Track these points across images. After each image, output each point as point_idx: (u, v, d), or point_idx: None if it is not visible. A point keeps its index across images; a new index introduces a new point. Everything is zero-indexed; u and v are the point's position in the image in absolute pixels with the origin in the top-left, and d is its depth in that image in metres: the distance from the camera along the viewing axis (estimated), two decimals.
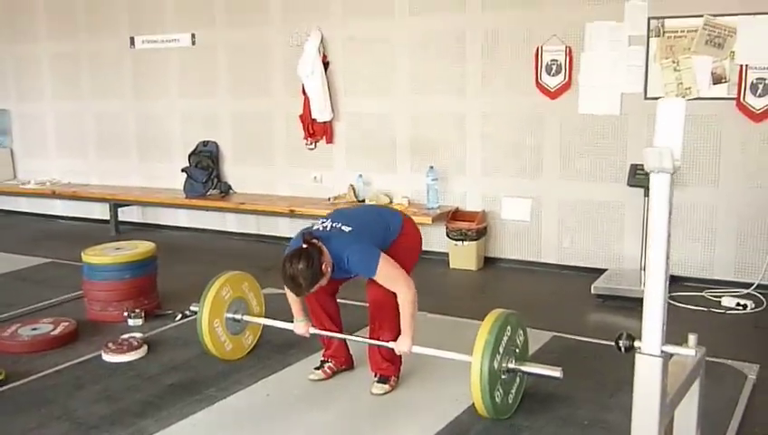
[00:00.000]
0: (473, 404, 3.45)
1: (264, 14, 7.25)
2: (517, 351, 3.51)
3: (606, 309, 5.26)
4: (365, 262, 3.61)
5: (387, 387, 3.84)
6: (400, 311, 3.61)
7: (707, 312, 5.14)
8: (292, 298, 3.89)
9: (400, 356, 3.84)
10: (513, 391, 3.54)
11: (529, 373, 3.57)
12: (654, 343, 2.26)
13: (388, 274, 3.60)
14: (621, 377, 2.72)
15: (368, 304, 3.82)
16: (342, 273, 3.70)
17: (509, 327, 3.43)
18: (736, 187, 5.54)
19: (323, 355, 4.09)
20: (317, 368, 4.05)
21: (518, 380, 3.57)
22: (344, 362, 4.08)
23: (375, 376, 3.88)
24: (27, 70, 8.95)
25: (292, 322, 4.02)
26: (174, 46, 7.81)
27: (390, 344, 3.70)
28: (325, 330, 3.96)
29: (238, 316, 4.27)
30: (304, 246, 3.55)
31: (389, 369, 3.88)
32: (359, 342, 3.99)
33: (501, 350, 3.36)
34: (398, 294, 3.59)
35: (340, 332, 4.01)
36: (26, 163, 9.19)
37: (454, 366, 4.05)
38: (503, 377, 3.41)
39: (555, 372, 3.47)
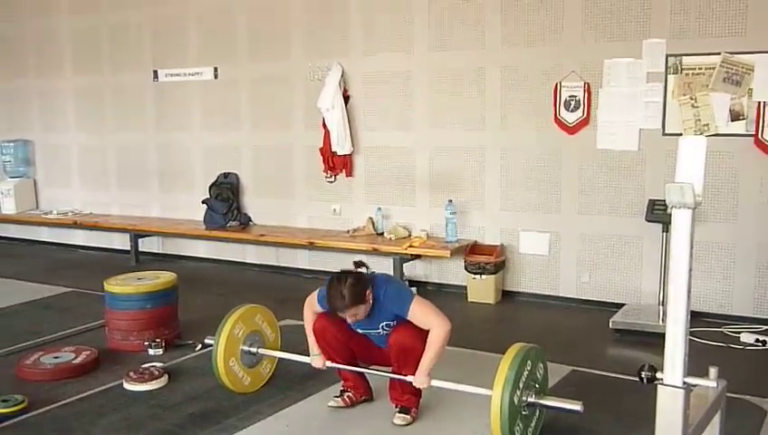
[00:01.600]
0: None
1: (285, 49, 7.37)
2: (537, 385, 3.52)
3: (624, 344, 5.26)
4: (401, 297, 3.75)
5: (408, 418, 3.85)
6: (429, 346, 3.65)
7: (726, 348, 5.12)
8: (309, 330, 3.94)
9: (420, 389, 3.86)
10: (533, 425, 3.54)
11: (549, 407, 3.57)
12: (676, 374, 2.28)
13: (423, 310, 3.70)
14: (640, 411, 2.73)
15: (390, 348, 3.81)
16: (376, 314, 3.75)
17: (529, 361, 3.44)
18: (755, 222, 5.55)
19: (343, 385, 4.11)
20: (337, 396, 4.07)
21: (537, 413, 3.57)
22: (364, 393, 4.09)
23: (396, 407, 3.90)
24: (52, 102, 9.11)
25: (309, 354, 4.06)
26: (197, 80, 7.93)
27: (409, 378, 3.72)
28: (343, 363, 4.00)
29: (254, 349, 4.29)
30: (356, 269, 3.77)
31: (411, 400, 3.89)
32: (377, 374, 4.00)
33: (521, 384, 3.37)
34: (434, 328, 3.65)
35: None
36: (49, 193, 9.31)
37: (474, 399, 4.05)
38: (523, 412, 3.41)
39: (575, 406, 3.47)
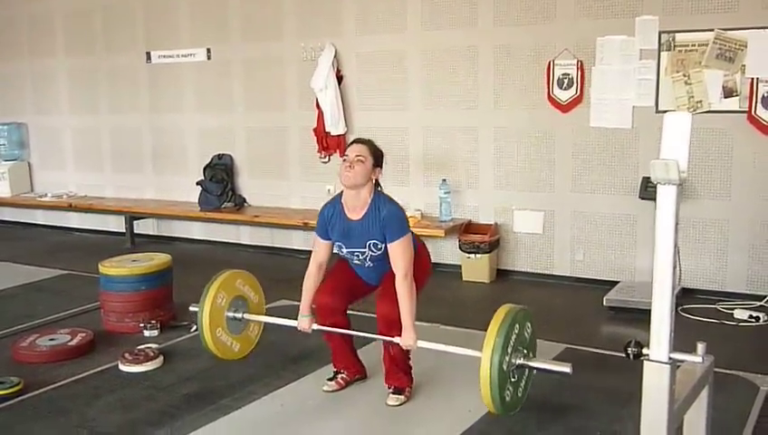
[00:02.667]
0: (487, 412, 3.48)
1: (278, 29, 7.34)
2: (525, 347, 3.48)
3: (618, 321, 5.28)
4: (398, 223, 3.71)
5: (402, 398, 3.86)
6: (401, 302, 3.63)
7: (720, 324, 5.15)
8: (307, 285, 3.94)
9: (411, 368, 3.88)
10: (522, 386, 3.51)
11: (538, 369, 3.55)
12: (661, 350, 2.29)
13: (403, 252, 3.66)
14: (634, 388, 2.74)
15: (377, 320, 3.82)
16: (368, 225, 3.73)
17: (517, 324, 3.40)
18: (749, 199, 5.56)
19: (335, 366, 4.11)
20: (330, 379, 4.07)
21: (526, 374, 3.54)
22: (357, 372, 4.11)
23: (389, 388, 3.91)
24: (45, 84, 9.08)
25: (296, 320, 4.05)
26: (190, 61, 7.91)
27: (396, 340, 3.70)
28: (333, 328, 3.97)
29: (239, 315, 4.27)
30: None
31: (403, 380, 3.90)
32: (362, 336, 3.96)
33: (510, 349, 3.33)
34: (398, 275, 3.63)
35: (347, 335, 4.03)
36: (43, 176, 9.31)
37: (466, 377, 4.09)
38: (512, 378, 3.38)
39: (565, 368, 3.44)
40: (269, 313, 5.50)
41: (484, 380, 3.24)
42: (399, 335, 3.75)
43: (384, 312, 3.75)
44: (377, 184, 3.84)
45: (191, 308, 4.31)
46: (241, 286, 4.35)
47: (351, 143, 3.88)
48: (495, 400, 3.27)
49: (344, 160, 3.78)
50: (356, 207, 3.78)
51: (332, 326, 3.94)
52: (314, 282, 3.94)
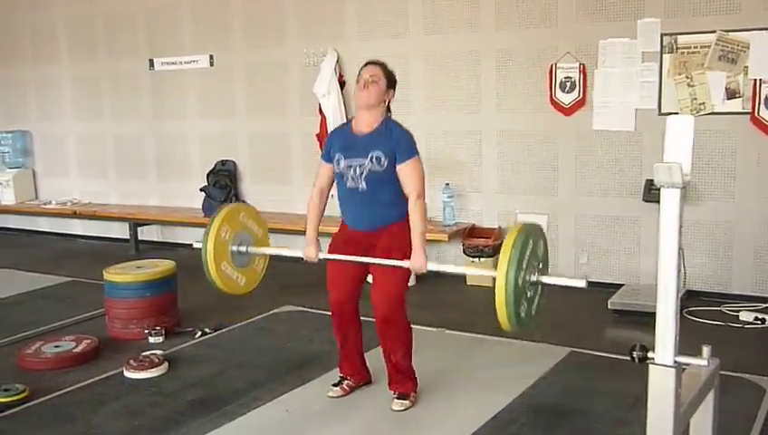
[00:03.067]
0: (491, 417, 3.47)
1: (280, 36, 7.35)
2: (540, 263, 3.32)
3: (623, 324, 5.27)
4: (409, 143, 3.72)
5: (407, 403, 3.85)
6: (413, 227, 3.61)
7: (725, 326, 5.14)
8: (311, 214, 3.95)
9: (414, 372, 3.87)
10: (536, 303, 3.34)
11: (553, 285, 3.38)
12: (667, 353, 2.29)
13: (414, 172, 3.66)
14: (639, 391, 2.74)
15: (375, 321, 3.78)
16: (375, 137, 3.72)
17: (531, 240, 3.21)
18: (753, 200, 5.55)
19: (341, 371, 4.10)
20: (335, 384, 4.06)
21: (540, 291, 3.37)
22: (362, 378, 4.10)
23: (394, 393, 3.89)
24: (48, 91, 9.10)
25: (301, 260, 4.00)
26: (193, 67, 7.92)
27: (405, 263, 3.60)
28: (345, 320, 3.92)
29: (243, 248, 4.08)
30: None
31: (407, 385, 3.89)
32: (371, 263, 3.78)
33: (525, 263, 3.15)
34: (411, 197, 3.63)
35: (361, 347, 4.03)
36: (47, 183, 9.32)
37: (468, 381, 4.10)
38: (528, 293, 3.21)
39: (580, 283, 3.26)
40: (273, 318, 5.54)
41: (499, 296, 3.07)
42: (395, 334, 3.74)
43: (383, 312, 3.71)
44: (388, 108, 3.86)
45: (195, 244, 4.10)
46: (245, 220, 4.15)
47: (366, 64, 3.88)
48: (511, 317, 3.09)
49: (358, 81, 3.81)
50: (366, 124, 3.78)
51: (343, 325, 3.91)
52: (318, 209, 3.95)
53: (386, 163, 3.68)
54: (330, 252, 3.91)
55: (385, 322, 3.73)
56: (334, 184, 3.93)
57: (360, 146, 3.73)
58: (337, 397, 4.01)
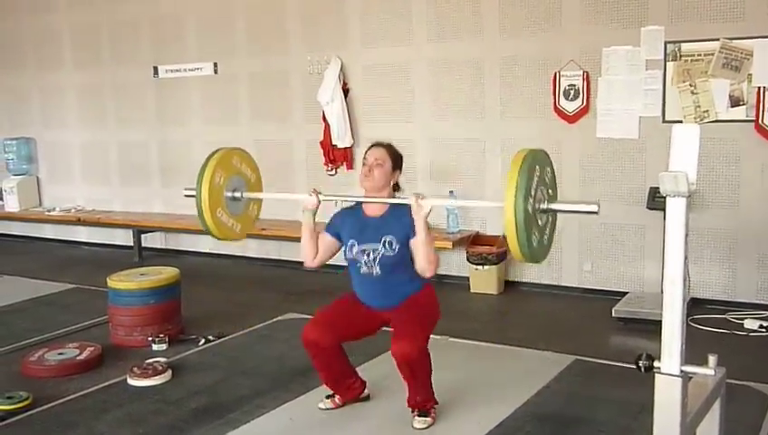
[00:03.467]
0: (496, 425, 3.45)
1: (284, 43, 7.37)
2: (549, 189, 3.20)
3: (627, 332, 5.26)
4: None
5: (429, 420, 3.73)
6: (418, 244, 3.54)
7: (730, 334, 5.13)
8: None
9: (431, 390, 3.78)
10: (548, 232, 3.24)
11: (564, 211, 3.39)
12: (673, 362, 2.28)
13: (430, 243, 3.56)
14: (644, 400, 2.73)
15: (396, 362, 3.61)
16: (386, 221, 3.67)
17: (538, 166, 3.07)
18: (757, 208, 5.54)
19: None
20: (328, 396, 3.99)
21: (550, 219, 3.26)
22: (351, 396, 3.98)
23: (413, 411, 3.76)
24: (53, 99, 9.13)
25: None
26: (196, 75, 7.93)
27: (410, 200, 3.51)
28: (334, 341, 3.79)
29: (238, 194, 3.96)
30: None
31: (428, 402, 3.76)
32: (376, 201, 3.74)
33: (533, 190, 3.02)
34: (423, 260, 3.54)
35: (349, 367, 3.93)
36: (51, 190, 9.33)
37: (474, 389, 4.08)
38: (538, 221, 3.09)
39: (591, 207, 3.12)
40: (277, 325, 5.53)
41: (509, 224, 2.95)
42: (422, 374, 3.63)
43: (404, 352, 3.53)
44: (396, 187, 3.82)
45: (185, 192, 3.97)
46: (238, 164, 4.01)
47: (371, 147, 3.82)
48: (523, 245, 2.98)
49: (364, 165, 3.76)
50: (377, 207, 3.74)
51: (322, 365, 3.81)
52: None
53: (398, 247, 3.65)
54: (342, 302, 3.88)
55: (408, 363, 3.58)
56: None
57: (373, 230, 3.70)
58: (326, 409, 3.96)
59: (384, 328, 3.84)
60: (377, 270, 3.69)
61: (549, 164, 3.18)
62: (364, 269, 3.73)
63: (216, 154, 3.86)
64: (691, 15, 5.55)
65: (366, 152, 3.81)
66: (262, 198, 4.12)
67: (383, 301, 3.76)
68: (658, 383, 2.33)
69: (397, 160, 3.79)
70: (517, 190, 2.90)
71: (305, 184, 7.44)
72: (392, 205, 3.71)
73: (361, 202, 3.81)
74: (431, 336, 3.68)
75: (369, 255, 3.69)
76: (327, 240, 3.83)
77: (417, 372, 3.61)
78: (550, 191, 3.14)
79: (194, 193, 3.79)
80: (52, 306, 6.32)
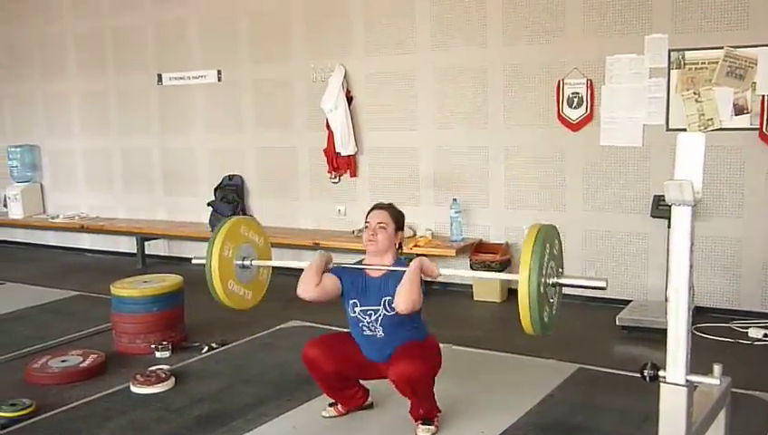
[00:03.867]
0: (500, 434, 3.44)
1: (288, 51, 7.38)
2: (558, 264, 3.28)
3: (631, 340, 5.24)
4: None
5: (432, 428, 3.72)
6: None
7: (734, 343, 5.11)
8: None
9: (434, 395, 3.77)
10: (556, 304, 3.31)
11: (574, 286, 3.40)
12: (678, 372, 2.27)
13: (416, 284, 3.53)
14: (648, 409, 2.72)
15: (395, 385, 3.63)
16: (386, 281, 3.65)
17: (548, 244, 3.16)
18: (762, 216, 5.53)
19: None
20: (331, 404, 3.99)
21: (559, 291, 3.33)
22: (355, 405, 3.98)
23: (416, 421, 3.75)
24: (57, 106, 9.15)
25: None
26: (200, 83, 7.95)
27: (414, 265, 3.54)
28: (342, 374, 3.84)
29: (247, 263, 4.04)
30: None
31: (432, 411, 3.76)
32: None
33: (545, 269, 3.11)
34: (404, 293, 3.49)
35: (349, 379, 3.92)
36: (55, 197, 9.35)
37: (477, 398, 4.07)
38: (550, 299, 3.18)
39: (600, 283, 3.22)
40: (280, 333, 5.53)
41: (523, 304, 3.05)
42: (421, 397, 3.63)
43: (402, 371, 3.53)
44: (400, 246, 3.83)
45: (194, 261, 4.08)
46: (245, 233, 4.08)
47: (372, 209, 3.82)
48: (536, 322, 3.08)
49: (366, 228, 3.74)
50: (378, 270, 3.74)
51: (323, 380, 3.82)
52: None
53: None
54: (341, 336, 3.89)
55: (411, 383, 3.56)
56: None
57: (373, 291, 3.70)
58: (329, 417, 3.95)
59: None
60: (380, 332, 3.71)
61: (557, 238, 3.29)
62: (367, 332, 3.74)
63: (223, 227, 3.97)
64: (695, 24, 5.55)
65: (368, 215, 3.80)
66: (270, 265, 4.24)
67: (383, 354, 3.73)
68: (663, 393, 2.33)
69: (399, 221, 3.79)
70: (530, 272, 3.03)
71: (308, 192, 7.45)
72: (393, 265, 3.71)
73: (362, 261, 3.82)
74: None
75: (370, 316, 3.71)
76: (330, 278, 3.77)
77: (419, 388, 3.60)
78: (559, 268, 3.26)
79: (203, 262, 3.92)
80: (56, 313, 6.32)
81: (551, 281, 3.15)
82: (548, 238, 3.14)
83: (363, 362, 3.80)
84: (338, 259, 3.93)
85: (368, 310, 3.71)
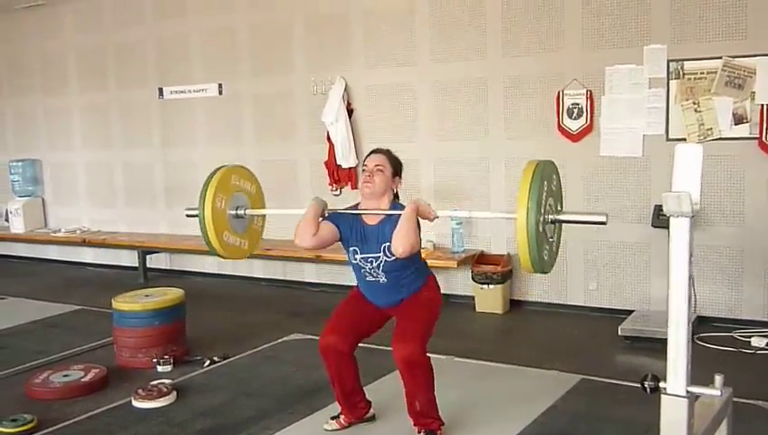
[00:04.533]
0: None
1: (288, 64, 7.40)
2: (556, 200, 3.20)
3: (634, 351, 5.23)
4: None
5: None
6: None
7: (737, 352, 5.10)
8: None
9: (437, 409, 3.76)
10: (555, 240, 3.25)
11: (573, 222, 3.36)
12: (679, 383, 2.27)
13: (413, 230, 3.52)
14: (651, 419, 2.71)
15: (396, 364, 3.64)
16: (384, 227, 3.64)
17: (545, 180, 3.07)
18: (763, 225, 5.53)
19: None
20: (333, 418, 3.97)
21: (557, 228, 3.26)
22: (362, 414, 3.97)
23: (419, 432, 3.74)
24: (58, 120, 9.18)
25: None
26: (201, 96, 7.97)
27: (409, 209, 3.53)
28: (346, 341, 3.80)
29: (241, 212, 3.96)
30: None
31: (434, 423, 3.74)
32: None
33: (543, 206, 3.03)
34: (401, 235, 3.49)
35: (359, 384, 3.93)
36: (57, 211, 9.36)
37: (480, 410, 4.07)
38: (549, 238, 3.12)
39: (599, 217, 3.17)
40: (281, 346, 5.52)
41: (522, 242, 2.97)
42: (418, 376, 3.62)
43: (404, 354, 3.55)
44: (396, 195, 3.82)
45: (186, 212, 4.00)
46: (237, 182, 3.99)
47: (370, 153, 3.83)
48: (535, 260, 3.00)
49: (363, 171, 3.75)
50: (373, 216, 3.73)
51: (338, 375, 3.80)
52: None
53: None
54: (348, 304, 3.87)
55: (407, 364, 3.59)
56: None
57: (372, 238, 3.69)
58: (332, 430, 3.94)
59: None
60: (382, 278, 3.71)
61: (555, 173, 3.20)
62: (370, 278, 3.74)
63: (213, 177, 3.88)
64: (693, 34, 5.56)
65: (365, 158, 3.81)
66: (264, 213, 4.14)
67: (388, 299, 3.77)
68: (664, 404, 2.32)
69: (397, 167, 3.79)
70: (529, 203, 2.92)
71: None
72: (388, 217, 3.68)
73: (358, 205, 3.81)
74: (438, 356, 3.66)
75: (372, 263, 3.70)
76: (327, 225, 3.74)
77: (418, 373, 3.61)
78: (558, 203, 3.16)
79: (196, 213, 3.83)
80: (57, 328, 6.32)
81: (550, 218, 3.07)
82: (546, 175, 3.06)
83: (370, 311, 3.80)
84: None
85: (368, 257, 3.69)
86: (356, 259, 3.74)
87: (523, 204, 2.93)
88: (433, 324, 3.73)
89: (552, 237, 3.13)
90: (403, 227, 3.48)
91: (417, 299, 3.74)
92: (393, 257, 3.60)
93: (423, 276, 3.81)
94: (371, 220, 3.73)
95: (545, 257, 3.06)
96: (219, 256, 3.91)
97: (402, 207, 3.64)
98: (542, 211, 2.98)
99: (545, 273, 3.17)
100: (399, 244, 3.47)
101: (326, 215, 3.75)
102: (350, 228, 3.73)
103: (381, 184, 3.69)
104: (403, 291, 3.74)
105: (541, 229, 2.97)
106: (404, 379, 3.65)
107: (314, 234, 3.66)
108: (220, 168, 3.97)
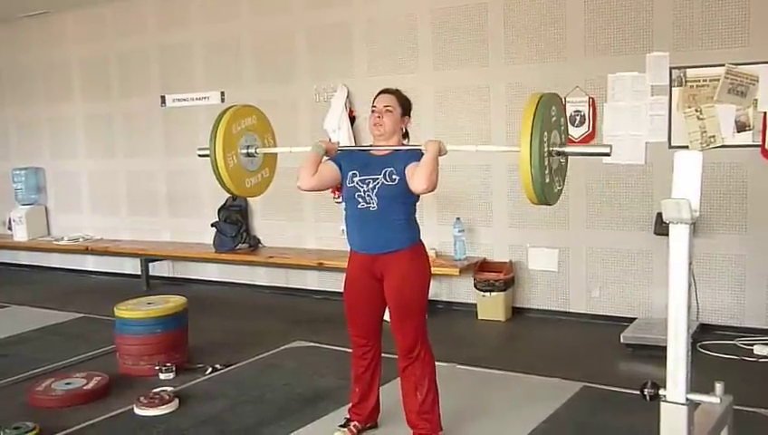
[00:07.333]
0: None
1: (291, 72, 7.42)
2: (560, 132, 3.18)
3: (636, 358, 5.22)
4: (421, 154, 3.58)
5: None
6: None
7: (739, 360, 5.08)
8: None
9: (438, 412, 3.76)
10: (560, 176, 3.26)
11: (577, 153, 3.36)
12: (678, 391, 2.26)
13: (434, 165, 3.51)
14: (653, 427, 2.70)
15: (398, 357, 3.71)
16: (392, 160, 3.63)
17: (552, 108, 3.08)
18: (765, 233, 5.52)
19: (350, 413, 3.98)
20: (342, 425, 3.95)
21: (562, 161, 3.28)
22: (370, 420, 3.97)
23: None
24: (62, 129, 9.20)
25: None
26: (204, 104, 7.98)
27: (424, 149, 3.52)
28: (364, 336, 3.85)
29: (252, 151, 4.04)
30: None
31: (434, 427, 3.72)
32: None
33: (546, 136, 3.02)
34: (422, 175, 3.48)
35: (377, 389, 3.93)
36: (60, 219, 9.38)
37: (482, 417, 4.06)
38: (552, 165, 3.11)
39: (604, 149, 3.20)
40: (284, 353, 5.52)
41: (525, 172, 2.97)
42: (420, 366, 3.65)
43: (404, 341, 3.67)
44: (405, 134, 3.81)
45: (198, 151, 4.05)
46: (237, 128, 4.02)
47: (379, 94, 3.79)
48: (539, 191, 3.02)
49: (373, 112, 3.72)
50: (382, 149, 3.73)
51: (369, 355, 3.83)
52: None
53: (397, 179, 3.59)
54: (347, 293, 3.86)
55: (409, 354, 3.63)
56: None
57: (376, 164, 3.67)
58: None
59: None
60: (374, 204, 3.63)
61: (557, 104, 3.18)
62: (362, 204, 3.66)
63: (216, 140, 3.90)
64: (696, 41, 5.57)
65: (374, 99, 3.78)
66: (276, 151, 4.25)
67: (380, 243, 3.69)
68: (664, 412, 2.32)
69: (406, 106, 3.77)
70: (533, 130, 2.93)
71: (312, 212, 7.46)
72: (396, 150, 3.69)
73: (371, 146, 3.82)
74: (441, 364, 3.67)
75: (368, 184, 3.64)
76: (328, 165, 3.77)
77: (418, 359, 3.63)
78: (562, 136, 3.16)
79: (207, 152, 3.91)
80: (60, 336, 6.32)
81: (554, 149, 3.08)
82: (549, 106, 3.06)
83: (367, 292, 3.78)
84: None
85: (366, 178, 3.65)
86: (353, 182, 3.68)
87: (526, 133, 2.94)
88: (425, 306, 3.78)
89: (555, 168, 3.14)
90: (428, 165, 3.47)
91: (406, 278, 3.70)
92: (392, 183, 3.59)
93: (413, 232, 3.74)
94: (379, 152, 3.74)
95: (547, 181, 3.06)
96: (222, 178, 3.95)
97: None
98: (546, 141, 2.99)
99: (548, 204, 3.17)
100: (423, 180, 3.45)
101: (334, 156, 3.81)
102: (352, 159, 3.75)
103: (391, 124, 3.69)
104: (390, 231, 3.65)
105: (545, 163, 3.00)
106: (405, 371, 3.67)
107: (313, 174, 3.73)
108: (220, 118, 3.98)
